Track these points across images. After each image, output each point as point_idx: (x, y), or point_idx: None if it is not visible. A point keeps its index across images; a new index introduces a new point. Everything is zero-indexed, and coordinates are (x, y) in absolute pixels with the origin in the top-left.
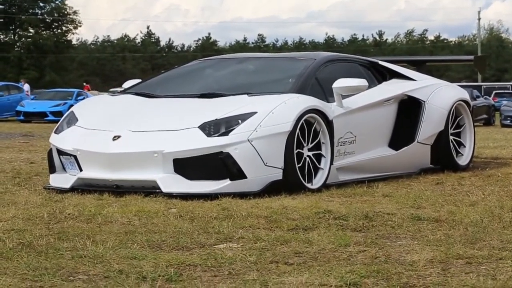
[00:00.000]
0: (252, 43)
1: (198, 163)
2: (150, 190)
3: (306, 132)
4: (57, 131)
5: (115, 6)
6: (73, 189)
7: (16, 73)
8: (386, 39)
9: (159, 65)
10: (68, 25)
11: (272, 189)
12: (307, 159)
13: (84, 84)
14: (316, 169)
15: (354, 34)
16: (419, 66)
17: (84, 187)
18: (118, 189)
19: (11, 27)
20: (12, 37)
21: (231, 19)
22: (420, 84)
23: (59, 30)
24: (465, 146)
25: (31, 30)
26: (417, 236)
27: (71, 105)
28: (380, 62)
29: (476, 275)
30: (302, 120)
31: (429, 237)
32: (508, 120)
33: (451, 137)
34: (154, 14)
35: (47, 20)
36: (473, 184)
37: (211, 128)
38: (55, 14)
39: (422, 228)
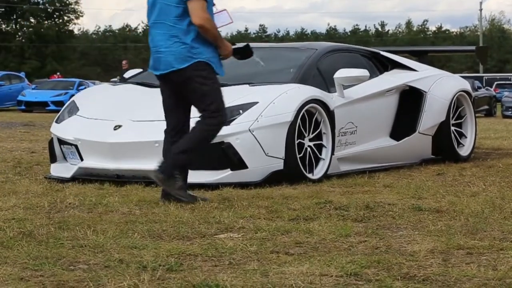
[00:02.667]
0: (254, 33)
1: (199, 152)
2: (151, 179)
3: (307, 122)
4: (58, 121)
5: None
6: (74, 179)
7: (18, 62)
8: (388, 30)
9: None
10: (70, 15)
11: (273, 179)
12: (308, 149)
13: (57, 74)
14: (317, 160)
15: (356, 25)
16: (421, 57)
17: (85, 177)
18: (119, 179)
19: (12, 17)
20: (14, 27)
21: (233, 9)
22: (421, 75)
23: (60, 20)
24: (466, 137)
25: (33, 20)
26: (418, 227)
27: (72, 95)
28: (382, 53)
29: (477, 265)
30: (303, 110)
31: (430, 228)
32: (509, 111)
33: (452, 128)
34: None
35: (49, 9)
36: (474, 175)
37: None
38: (57, 4)
39: (423, 218)
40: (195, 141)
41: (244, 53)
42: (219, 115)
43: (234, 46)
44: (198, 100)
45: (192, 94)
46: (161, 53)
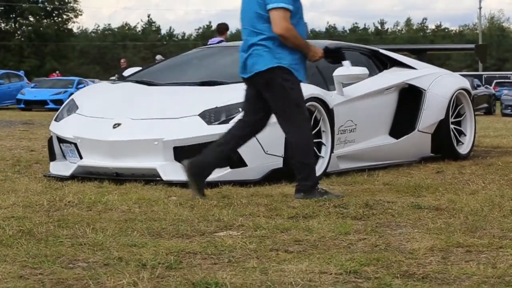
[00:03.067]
0: None
1: (199, 151)
2: (150, 178)
3: None
4: (57, 119)
5: None
6: (73, 177)
7: (17, 61)
8: (388, 28)
9: (160, 53)
10: (69, 14)
11: (272, 177)
12: None
13: (56, 72)
14: (317, 157)
15: (356, 23)
16: (420, 55)
17: (84, 175)
18: (118, 177)
19: (11, 15)
20: (13, 26)
21: (233, 7)
22: (421, 73)
23: (59, 19)
24: (465, 135)
25: (32, 19)
26: (417, 225)
27: (72, 94)
28: (381, 51)
29: (476, 263)
30: None
31: (429, 226)
32: (508, 109)
33: (451, 126)
34: (155, 3)
35: (48, 8)
36: (474, 173)
37: (211, 116)
38: (56, 3)
39: (422, 216)
40: (300, 153)
41: (336, 57)
42: (298, 118)
43: (329, 47)
44: (276, 105)
45: (270, 97)
46: (246, 57)
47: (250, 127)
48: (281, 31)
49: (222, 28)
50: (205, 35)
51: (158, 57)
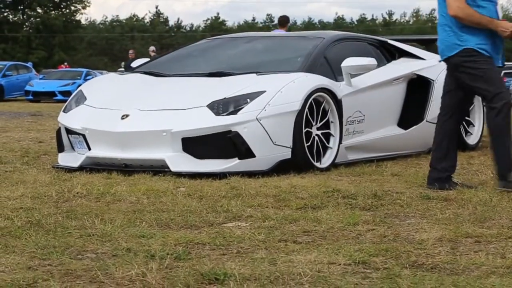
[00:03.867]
0: (261, 23)
1: (207, 142)
2: (158, 169)
3: (315, 111)
4: (65, 110)
5: None
6: (81, 168)
7: (25, 53)
8: (396, 19)
9: (167, 45)
10: (77, 5)
11: (280, 168)
12: (316, 138)
13: (65, 64)
14: (325, 148)
15: (364, 14)
16: (428, 45)
17: (93, 166)
18: (127, 168)
19: (20, 7)
20: (21, 17)
21: None
22: (429, 63)
23: (67, 10)
24: (474, 125)
25: (40, 10)
26: (426, 215)
27: (80, 85)
28: (389, 41)
29: (485, 253)
30: (311, 99)
31: (438, 216)
32: None
33: None
34: None
35: None
36: (482, 163)
37: (219, 107)
38: None
39: (431, 207)
40: (499, 134)
41: None
42: (499, 98)
43: None
44: (475, 88)
45: (466, 81)
46: (439, 43)
47: (450, 115)
48: (453, 12)
49: (283, 21)
50: (213, 26)
51: (152, 48)
